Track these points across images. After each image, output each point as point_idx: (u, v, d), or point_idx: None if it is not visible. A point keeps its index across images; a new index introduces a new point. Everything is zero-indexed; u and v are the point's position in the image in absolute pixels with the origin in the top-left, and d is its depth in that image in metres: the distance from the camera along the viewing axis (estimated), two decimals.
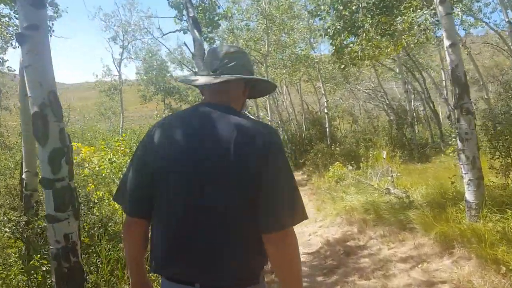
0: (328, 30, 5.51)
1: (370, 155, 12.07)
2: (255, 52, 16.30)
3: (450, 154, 8.87)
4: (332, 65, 19.81)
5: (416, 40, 7.21)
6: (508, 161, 4.93)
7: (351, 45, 6.14)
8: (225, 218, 1.30)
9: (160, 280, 1.45)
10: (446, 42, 4.44)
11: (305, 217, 1.37)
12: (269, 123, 17.83)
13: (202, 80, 1.44)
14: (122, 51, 29.80)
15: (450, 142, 11.99)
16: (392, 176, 8.03)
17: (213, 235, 1.31)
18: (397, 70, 21.12)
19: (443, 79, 19.60)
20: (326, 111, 17.29)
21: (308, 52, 16.70)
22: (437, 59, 25.37)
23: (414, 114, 16.08)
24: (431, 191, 6.69)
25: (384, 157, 9.61)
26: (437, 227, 4.54)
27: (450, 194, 5.19)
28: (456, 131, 4.43)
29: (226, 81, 1.40)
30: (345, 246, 5.94)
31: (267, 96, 16.13)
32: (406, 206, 6.09)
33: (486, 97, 14.21)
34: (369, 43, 6.18)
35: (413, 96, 17.00)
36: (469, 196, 4.33)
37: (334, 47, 6.03)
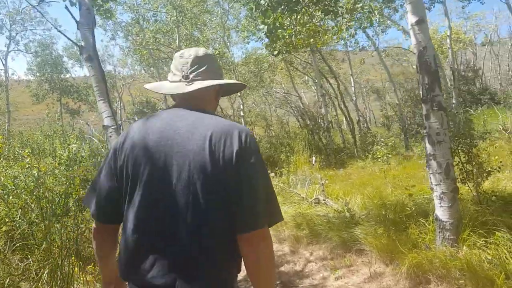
0: (262, 1, 4.39)
1: (292, 160, 11.26)
2: (164, 47, 14.68)
3: (379, 159, 8.27)
4: (245, 67, 19.02)
5: (359, 26, 6.52)
6: (468, 168, 4.19)
7: (285, 27, 5.09)
8: (201, 222, 1.26)
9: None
10: (412, 19, 3.56)
11: (281, 218, 1.38)
12: None
13: (174, 88, 1.41)
14: (9, 43, 25.80)
15: (369, 148, 11.68)
16: (322, 184, 7.15)
17: (187, 240, 1.26)
18: (312, 75, 21.08)
19: (352, 85, 19.89)
20: (242, 114, 16.25)
21: (222, 49, 15.55)
22: (344, 66, 26.17)
23: (330, 119, 15.78)
24: (369, 202, 5.87)
25: (314, 163, 8.75)
26: (403, 253, 3.58)
27: (408, 208, 4.33)
28: (424, 131, 3.53)
29: (195, 90, 1.39)
30: (279, 273, 4.77)
31: None
32: (347, 221, 5.14)
33: (397, 102, 14.35)
34: (305, 28, 5.23)
35: (328, 101, 16.76)
36: (442, 213, 3.45)
37: (266, 27, 4.94)
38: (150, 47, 14.16)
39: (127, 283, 1.40)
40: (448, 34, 14.41)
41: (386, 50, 15.12)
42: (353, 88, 19.25)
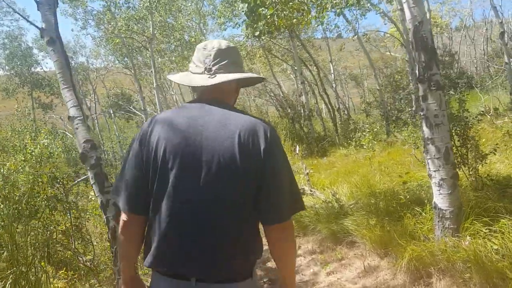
0: None
1: None
2: (138, 35, 14.08)
3: (364, 146, 8.04)
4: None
5: (345, 4, 6.24)
6: (463, 151, 3.97)
7: (266, 6, 4.73)
8: (228, 214, 1.31)
9: (151, 274, 1.45)
10: None
11: (304, 207, 1.43)
12: None
13: (198, 80, 1.44)
14: None
15: (352, 135, 11.49)
16: (306, 174, 6.89)
17: (215, 230, 1.31)
18: (290, 63, 20.77)
19: (332, 72, 19.69)
20: None
21: (198, 37, 15.04)
22: (323, 53, 25.96)
23: (311, 107, 15.55)
24: (357, 191, 5.63)
25: (297, 152, 8.47)
26: (400, 245, 3.33)
27: (402, 197, 4.07)
28: (421, 114, 3.26)
29: (219, 83, 1.41)
30: (267, 269, 4.49)
31: (156, 90, 14.11)
32: (336, 212, 4.89)
33: (378, 88, 14.20)
34: (287, 6, 4.89)
35: (308, 88, 16.49)
36: (441, 201, 3.20)
37: (246, 6, 4.58)
38: (122, 36, 13.53)
39: (141, 278, 1.54)
40: (428, 17, 14.31)
41: (367, 34, 14.87)
42: (332, 75, 19.04)
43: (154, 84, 13.58)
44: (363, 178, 5.90)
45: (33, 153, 7.71)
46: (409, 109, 12.73)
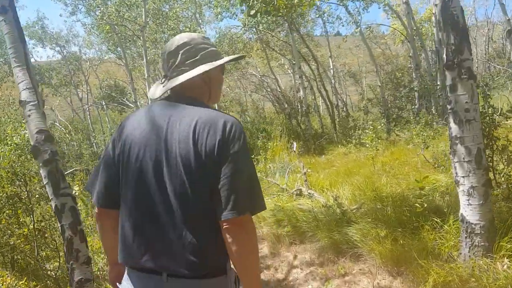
0: None
1: (269, 147, 10.40)
2: (130, 22, 13.40)
3: (366, 144, 7.47)
4: (218, 48, 17.92)
5: None
6: (488, 154, 3.39)
7: None
8: (191, 207, 1.30)
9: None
10: None
11: (264, 207, 1.37)
12: None
13: (156, 92, 1.48)
14: None
15: (351, 133, 10.93)
16: (304, 173, 6.31)
17: (180, 224, 1.30)
18: (289, 57, 20.14)
19: (331, 67, 19.09)
20: None
21: (194, 27, 14.38)
22: (322, 50, 25.33)
23: (308, 103, 14.97)
24: (361, 194, 5.07)
25: (294, 149, 7.90)
26: (418, 263, 2.76)
27: (417, 205, 3.48)
28: (448, 107, 2.69)
29: (170, 88, 1.45)
30: None
31: (148, 81, 13.46)
32: (338, 218, 4.31)
33: (379, 84, 13.64)
34: None
35: (306, 84, 15.89)
36: (470, 213, 2.64)
37: None
38: (114, 23, 12.84)
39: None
40: (434, 11, 13.75)
41: (370, 27, 14.24)
42: (331, 71, 18.43)
43: (146, 75, 12.93)
44: (366, 180, 5.33)
45: (12, 144, 7.22)
46: (412, 107, 12.19)
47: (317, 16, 13.39)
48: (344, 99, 21.60)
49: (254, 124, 17.19)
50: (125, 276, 1.44)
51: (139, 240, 1.35)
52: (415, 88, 12.01)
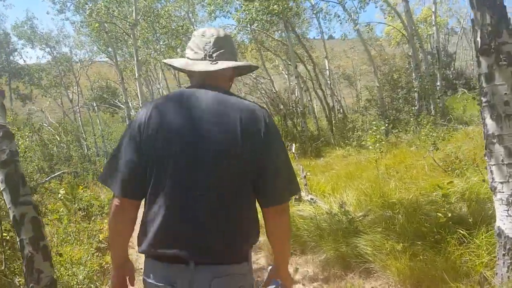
0: None
1: None
2: (120, 20, 12.92)
3: (369, 146, 7.05)
4: None
5: None
6: None
7: None
8: (230, 197, 1.33)
9: (144, 261, 1.43)
10: None
11: (299, 189, 1.49)
12: None
13: (200, 66, 1.43)
14: None
15: (349, 135, 10.54)
16: (304, 176, 5.89)
17: (216, 214, 1.32)
18: (284, 58, 19.77)
19: (326, 68, 18.72)
20: None
21: (186, 25, 13.94)
22: (316, 51, 24.99)
23: (305, 104, 14.57)
24: (367, 200, 4.64)
25: (293, 151, 7.47)
26: (446, 283, 2.33)
27: (440, 214, 3.04)
28: (483, 100, 2.27)
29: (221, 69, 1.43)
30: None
31: (138, 81, 12.99)
32: (345, 228, 3.88)
33: (377, 85, 13.27)
34: None
35: (302, 85, 15.48)
36: (510, 227, 2.22)
37: None
38: (103, 20, 12.35)
39: (133, 266, 1.56)
40: (433, 10, 13.42)
41: (370, 24, 13.86)
42: (327, 72, 18.06)
43: (136, 74, 12.44)
44: (373, 185, 4.91)
45: None
46: (412, 108, 11.83)
47: (314, 12, 12.96)
48: (340, 101, 21.24)
49: None
50: (147, 268, 1.40)
51: (173, 229, 1.33)
52: (415, 89, 11.64)
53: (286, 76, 25.26)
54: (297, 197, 5.91)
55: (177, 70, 1.65)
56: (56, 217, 5.86)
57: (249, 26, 14.37)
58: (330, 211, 4.18)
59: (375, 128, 6.67)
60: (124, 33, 13.74)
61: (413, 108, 11.73)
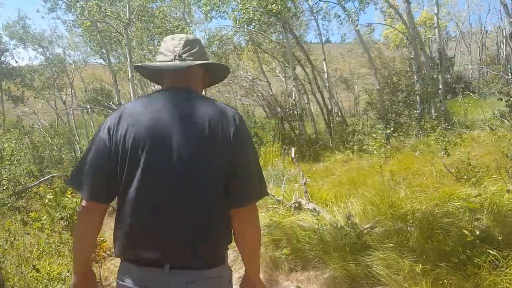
0: None
1: (261, 152, 9.59)
2: (113, 19, 12.52)
3: (374, 151, 6.68)
4: (207, 49, 17.15)
5: None
6: None
7: None
8: (201, 198, 1.32)
9: (120, 264, 1.42)
10: None
11: (267, 193, 1.48)
12: None
13: (169, 64, 1.44)
14: None
15: (349, 139, 10.19)
16: (304, 183, 5.50)
17: (188, 216, 1.32)
18: (281, 59, 19.43)
19: (325, 70, 18.38)
20: None
21: (182, 25, 13.53)
22: (314, 54, 24.68)
23: (304, 106, 14.21)
24: (375, 210, 4.27)
25: (292, 155, 7.09)
26: None
27: (466, 232, 2.65)
28: None
29: (191, 65, 1.44)
30: None
31: (131, 82, 12.58)
32: (353, 243, 3.50)
33: (378, 87, 12.94)
34: None
35: (300, 87, 15.11)
36: None
37: None
38: (95, 18, 11.94)
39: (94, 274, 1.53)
40: (435, 12, 13.14)
41: (371, 25, 13.52)
42: (325, 74, 17.72)
43: (129, 75, 12.05)
44: (381, 193, 4.53)
45: None
46: (415, 111, 11.49)
47: (313, 13, 12.63)
48: (338, 104, 20.90)
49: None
50: (122, 270, 1.39)
51: (144, 231, 1.32)
52: (417, 92, 11.31)
53: (283, 79, 24.95)
54: (296, 205, 5.53)
55: (146, 77, 1.67)
56: (39, 225, 5.45)
57: (246, 27, 14.04)
58: (336, 224, 3.78)
59: (379, 131, 6.29)
60: (117, 33, 13.33)
61: (415, 111, 11.40)
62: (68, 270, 4.18)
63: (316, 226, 4.39)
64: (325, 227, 4.12)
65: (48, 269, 4.18)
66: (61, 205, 6.03)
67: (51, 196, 7.33)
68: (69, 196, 6.75)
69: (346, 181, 6.65)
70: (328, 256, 3.54)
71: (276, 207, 5.69)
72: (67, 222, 4.85)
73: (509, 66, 23.65)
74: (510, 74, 21.95)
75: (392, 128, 7.11)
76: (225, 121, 1.35)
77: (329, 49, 27.06)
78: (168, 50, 1.47)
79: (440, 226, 3.28)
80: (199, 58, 1.47)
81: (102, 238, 5.54)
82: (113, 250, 5.94)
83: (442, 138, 5.19)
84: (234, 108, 1.47)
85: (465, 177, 4.20)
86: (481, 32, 27.93)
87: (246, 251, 1.46)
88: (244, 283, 1.50)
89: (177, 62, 1.43)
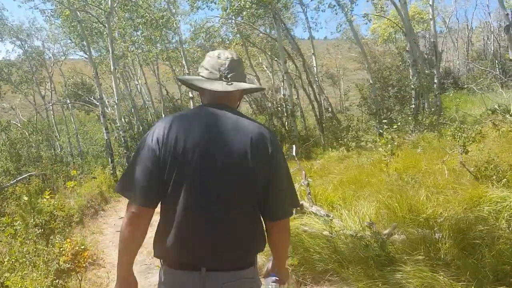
0: None
1: None
2: (94, 8, 11.80)
3: (380, 148, 6.25)
4: (193, 43, 16.57)
5: None
6: None
7: None
8: (240, 211, 1.44)
9: (160, 269, 1.53)
10: None
11: (298, 203, 1.79)
12: (115, 111, 13.67)
13: (217, 86, 1.52)
14: None
15: (344, 135, 9.77)
16: (306, 184, 5.03)
17: (228, 226, 1.42)
18: (269, 54, 18.94)
19: (314, 65, 17.95)
20: (191, 95, 13.70)
21: (168, 16, 12.90)
22: (303, 48, 24.25)
23: (297, 100, 13.74)
24: (391, 214, 3.83)
25: (294, 153, 6.60)
26: None
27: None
28: None
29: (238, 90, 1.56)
30: None
31: (114, 75, 11.89)
32: (377, 255, 3.04)
33: (371, 82, 12.55)
34: None
35: (290, 81, 14.63)
36: None
37: None
38: (75, 7, 11.21)
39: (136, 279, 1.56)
40: (430, 2, 12.79)
41: (368, 15, 12.97)
42: (315, 69, 17.29)
43: (112, 68, 11.37)
44: (397, 195, 4.08)
45: None
46: (410, 106, 11.16)
47: (303, 4, 12.13)
48: (329, 99, 20.51)
49: None
50: (163, 275, 1.49)
51: (189, 235, 1.40)
52: (413, 86, 10.98)
53: (270, 74, 24.47)
54: (298, 208, 5.07)
55: (191, 87, 1.75)
56: (12, 232, 4.84)
57: (233, 18, 13.49)
58: (356, 234, 3.32)
59: (385, 127, 5.87)
60: (99, 24, 12.60)
61: (410, 106, 11.06)
62: (42, 286, 3.64)
63: (326, 232, 3.94)
64: (329, 232, 3.66)
65: (20, 285, 3.63)
66: (37, 208, 5.43)
67: (27, 198, 6.71)
68: (47, 197, 6.14)
69: (347, 180, 6.22)
70: (346, 270, 3.08)
71: None
72: (42, 230, 4.26)
73: (496, 61, 23.73)
74: (497, 70, 22.01)
75: (398, 124, 6.67)
76: (264, 139, 1.45)
77: (314, 45, 26.64)
78: (214, 68, 1.53)
79: (475, 235, 2.85)
80: (241, 79, 1.56)
81: (83, 247, 5.00)
82: (95, 259, 5.36)
83: (460, 133, 4.78)
84: (269, 128, 1.58)
85: (493, 177, 3.79)
86: (467, 28, 27.93)
87: (280, 251, 1.61)
88: (273, 268, 1.66)
89: (224, 84, 1.51)
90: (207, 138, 1.42)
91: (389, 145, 5.43)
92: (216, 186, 1.40)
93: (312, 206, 4.86)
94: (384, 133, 6.15)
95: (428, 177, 5.08)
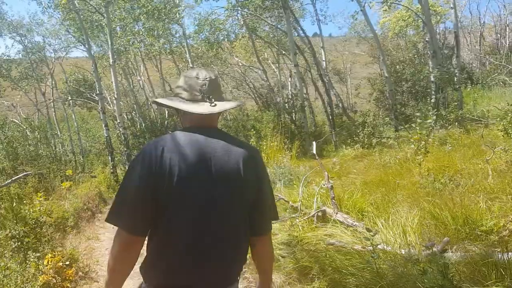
0: None
1: (263, 148, 8.39)
2: None
3: (411, 144, 5.51)
4: (196, 36, 15.86)
5: None
6: None
7: None
8: (236, 226, 1.46)
9: None
10: None
11: (278, 217, 1.67)
12: (115, 108, 13.07)
13: (201, 108, 1.51)
14: None
15: (358, 132, 9.06)
16: (330, 187, 4.32)
17: (220, 251, 1.42)
18: (275, 48, 18.21)
19: (323, 59, 17.20)
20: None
21: (171, 5, 12.19)
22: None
23: (305, 96, 13.01)
24: (442, 227, 3.12)
25: (314, 151, 5.88)
26: None
27: None
28: None
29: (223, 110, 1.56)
30: None
31: (113, 68, 11.24)
32: (439, 282, 2.33)
33: (386, 75, 11.79)
34: None
35: (300, 75, 13.89)
36: None
37: None
38: None
39: None
40: None
41: (387, 1, 12.00)
42: (324, 63, 16.54)
43: (111, 61, 10.70)
44: (449, 203, 3.36)
45: None
46: (430, 100, 10.41)
47: None
48: (339, 95, 19.75)
49: (238, 122, 15.21)
50: None
51: (181, 263, 1.39)
52: (433, 79, 10.23)
53: (276, 70, 23.77)
54: (319, 214, 4.37)
55: (171, 109, 1.68)
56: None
57: (239, 9, 12.79)
58: (410, 256, 2.61)
59: (418, 121, 5.15)
60: (98, 15, 11.91)
61: (430, 101, 10.32)
62: None
63: (357, 247, 3.24)
64: (375, 251, 2.95)
65: None
66: (19, 215, 4.76)
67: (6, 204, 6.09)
68: (40, 198, 5.45)
69: (371, 181, 5.51)
70: None
71: (292, 216, 4.53)
72: (19, 243, 3.56)
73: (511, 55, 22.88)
74: None
75: (434, 117, 5.96)
76: (253, 160, 1.48)
77: (320, 42, 25.84)
78: (193, 89, 1.52)
79: None
80: (222, 98, 1.56)
81: (70, 261, 4.34)
82: (87, 271, 4.71)
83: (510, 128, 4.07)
84: (253, 146, 1.67)
85: None
86: (479, 23, 27.05)
87: (265, 266, 1.65)
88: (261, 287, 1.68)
89: (208, 106, 1.49)
90: (200, 161, 1.40)
91: (423, 142, 4.71)
92: (209, 215, 1.39)
93: (337, 213, 4.16)
94: (402, 128, 5.43)
95: (469, 179, 4.37)
